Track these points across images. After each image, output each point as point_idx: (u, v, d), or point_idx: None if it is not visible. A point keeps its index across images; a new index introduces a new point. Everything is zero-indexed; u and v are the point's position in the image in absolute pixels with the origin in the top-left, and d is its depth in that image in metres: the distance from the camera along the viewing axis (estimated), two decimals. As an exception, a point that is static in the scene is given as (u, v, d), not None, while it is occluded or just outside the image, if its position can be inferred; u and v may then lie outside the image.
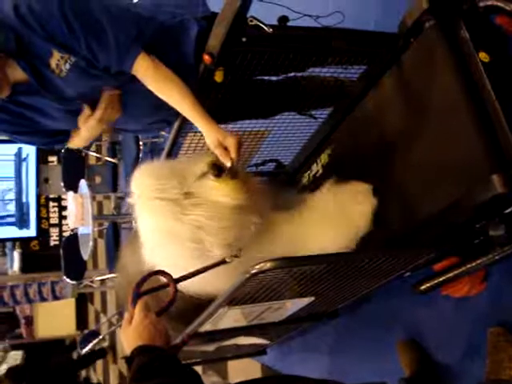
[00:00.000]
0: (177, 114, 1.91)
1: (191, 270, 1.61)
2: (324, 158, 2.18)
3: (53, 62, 1.64)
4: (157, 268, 1.66)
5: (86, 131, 1.86)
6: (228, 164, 1.66)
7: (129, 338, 1.30)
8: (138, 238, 1.77)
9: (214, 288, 1.81)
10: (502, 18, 1.82)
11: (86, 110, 1.79)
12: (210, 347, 2.57)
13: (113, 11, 1.67)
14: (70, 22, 1.58)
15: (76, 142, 1.96)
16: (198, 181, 1.67)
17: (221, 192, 1.66)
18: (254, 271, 1.46)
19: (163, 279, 1.50)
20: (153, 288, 1.46)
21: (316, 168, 2.22)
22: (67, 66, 1.65)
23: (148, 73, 1.70)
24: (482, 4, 1.77)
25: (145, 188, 1.67)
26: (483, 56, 1.59)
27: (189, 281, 1.60)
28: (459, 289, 2.02)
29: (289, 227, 1.85)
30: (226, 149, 1.66)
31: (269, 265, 1.44)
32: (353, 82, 2.12)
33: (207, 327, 2.04)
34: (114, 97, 1.78)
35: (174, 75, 1.71)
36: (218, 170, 1.66)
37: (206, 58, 1.64)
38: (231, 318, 1.98)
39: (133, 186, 1.69)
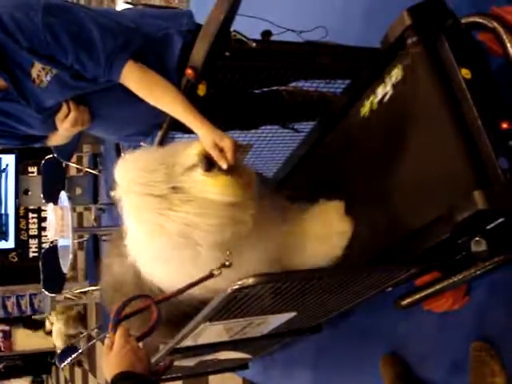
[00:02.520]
0: (156, 126, 1.89)
1: (179, 266, 1.58)
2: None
3: (34, 73, 1.63)
4: (142, 266, 1.63)
5: (62, 131, 1.83)
6: (224, 166, 1.56)
7: (109, 365, 1.28)
8: (122, 237, 1.70)
9: (204, 290, 1.76)
10: (484, 35, 1.84)
11: (65, 108, 1.76)
12: (191, 362, 2.54)
13: (99, 20, 1.66)
14: (55, 32, 1.56)
15: (53, 141, 1.95)
16: (186, 173, 1.56)
17: (211, 188, 1.55)
18: (235, 287, 1.44)
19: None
20: (133, 312, 1.44)
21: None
22: (48, 77, 1.63)
23: (137, 80, 1.68)
24: (464, 20, 1.79)
25: (130, 181, 1.56)
26: (465, 73, 1.61)
27: (177, 284, 1.57)
28: (441, 304, 2.02)
29: (281, 233, 1.81)
30: (221, 150, 1.58)
31: (250, 281, 1.43)
32: (336, 96, 2.13)
33: (188, 342, 2.02)
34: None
35: (164, 80, 1.69)
36: (208, 163, 1.55)
37: (189, 71, 1.63)
38: (212, 333, 1.96)
39: (117, 178, 1.59)
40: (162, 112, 1.73)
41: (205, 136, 1.60)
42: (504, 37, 1.73)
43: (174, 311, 1.86)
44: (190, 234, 1.55)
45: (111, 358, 1.30)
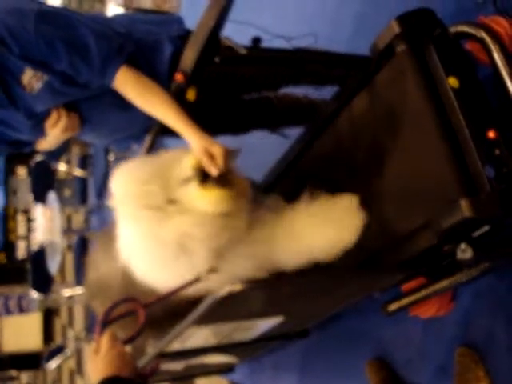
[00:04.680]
0: (146, 130, 1.90)
1: (174, 273, 1.58)
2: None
3: (24, 79, 1.62)
4: (137, 273, 1.63)
5: (52, 137, 1.83)
6: (214, 173, 1.56)
7: (95, 369, 1.28)
8: (111, 234, 1.70)
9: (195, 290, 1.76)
10: (472, 44, 1.87)
11: (55, 115, 1.76)
12: (178, 366, 2.54)
13: (92, 26, 1.66)
14: (48, 38, 1.56)
15: (43, 146, 1.95)
16: (182, 186, 1.57)
17: (206, 201, 1.56)
18: (223, 293, 1.45)
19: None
20: (120, 315, 1.44)
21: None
22: (39, 84, 1.63)
23: (130, 84, 1.68)
24: (452, 29, 1.81)
25: (127, 193, 1.57)
26: (453, 81, 1.62)
27: (168, 283, 1.58)
28: (427, 309, 2.04)
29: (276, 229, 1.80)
30: (212, 157, 1.58)
31: (238, 287, 1.44)
32: (325, 102, 2.14)
33: (176, 346, 2.02)
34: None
35: (156, 85, 1.69)
36: (203, 176, 1.56)
37: (178, 76, 1.64)
38: (200, 337, 1.97)
39: (113, 188, 1.60)
40: (152, 117, 1.74)
41: (195, 143, 1.61)
42: (491, 46, 1.75)
43: (160, 311, 1.86)
44: (185, 243, 1.56)
45: (97, 362, 1.29)
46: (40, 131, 1.78)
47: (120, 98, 1.71)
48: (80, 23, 1.62)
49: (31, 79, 1.62)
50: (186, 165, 1.58)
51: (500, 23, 1.83)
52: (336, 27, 2.70)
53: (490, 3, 1.91)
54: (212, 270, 1.60)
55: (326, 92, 2.11)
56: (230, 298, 1.48)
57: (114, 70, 1.64)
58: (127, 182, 1.59)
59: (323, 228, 1.74)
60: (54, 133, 1.76)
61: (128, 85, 1.66)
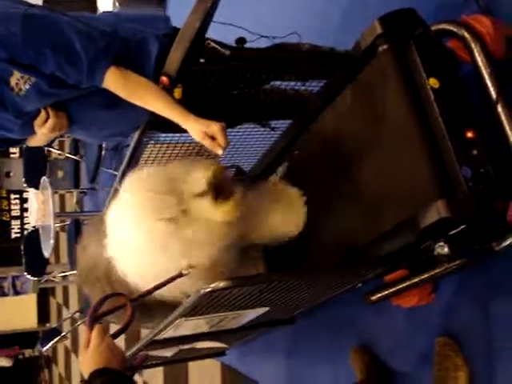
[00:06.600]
0: (136, 127, 1.92)
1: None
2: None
3: (12, 81, 1.64)
4: (129, 275, 1.70)
5: (41, 135, 1.86)
6: (219, 152, 1.68)
7: (86, 363, 1.34)
8: (102, 223, 1.79)
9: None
10: (453, 42, 1.89)
11: (43, 114, 1.79)
12: (169, 352, 2.60)
13: (78, 26, 1.67)
14: (35, 42, 1.58)
15: (33, 143, 1.98)
16: (195, 199, 1.69)
17: (217, 213, 1.70)
18: (207, 290, 1.49)
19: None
20: (109, 310, 1.49)
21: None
22: (27, 86, 1.65)
23: (120, 84, 1.70)
24: (434, 27, 1.83)
25: (143, 204, 1.66)
26: (433, 82, 1.65)
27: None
28: (409, 300, 2.09)
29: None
30: (213, 138, 1.66)
31: (221, 284, 1.48)
32: (311, 95, 2.16)
33: (166, 335, 2.08)
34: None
35: (145, 79, 1.72)
36: (216, 192, 1.70)
37: (163, 79, 1.66)
38: (190, 326, 2.02)
39: (127, 197, 1.70)
40: (142, 113, 1.77)
41: (192, 128, 1.68)
42: (472, 45, 1.78)
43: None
44: (190, 251, 1.68)
45: (88, 355, 1.36)
46: (29, 129, 1.81)
47: (108, 97, 1.73)
48: (66, 25, 1.63)
49: (19, 81, 1.64)
50: (198, 180, 1.69)
51: (482, 22, 1.84)
52: (322, 21, 2.71)
53: (474, 1, 1.93)
54: (191, 266, 1.68)
55: (314, 84, 2.13)
56: (215, 293, 1.54)
57: (101, 72, 1.66)
58: (143, 192, 1.67)
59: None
60: (43, 132, 1.78)
61: (118, 84, 1.69)
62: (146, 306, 1.95)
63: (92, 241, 2.03)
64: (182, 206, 1.67)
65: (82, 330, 5.52)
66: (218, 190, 1.71)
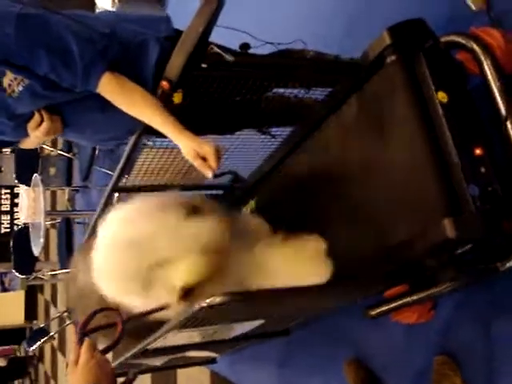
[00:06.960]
0: (131, 131, 1.87)
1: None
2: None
3: (5, 82, 1.59)
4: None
5: (35, 138, 1.80)
6: (209, 174, 1.58)
7: (75, 379, 1.29)
8: (91, 248, 1.67)
9: None
10: (462, 54, 1.85)
11: (37, 117, 1.73)
12: (158, 362, 2.55)
13: (74, 28, 1.61)
14: (29, 43, 1.52)
15: (25, 145, 1.93)
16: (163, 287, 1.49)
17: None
18: (202, 305, 1.44)
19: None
20: (99, 326, 1.43)
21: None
22: (20, 87, 1.60)
23: (114, 90, 1.64)
24: (443, 39, 1.79)
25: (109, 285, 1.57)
26: (442, 96, 1.60)
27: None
28: (408, 316, 2.05)
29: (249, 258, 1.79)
30: (204, 159, 1.59)
31: (218, 300, 1.42)
32: (315, 103, 2.11)
33: (157, 345, 2.03)
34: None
35: (141, 89, 1.66)
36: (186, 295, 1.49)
37: (164, 84, 1.60)
38: (182, 338, 1.97)
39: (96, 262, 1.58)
40: (137, 119, 1.71)
41: (184, 145, 1.61)
42: (482, 58, 1.74)
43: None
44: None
45: (77, 372, 1.30)
46: (22, 132, 1.76)
47: (103, 101, 1.68)
48: (62, 26, 1.57)
49: (12, 82, 1.59)
50: (175, 277, 1.48)
51: (493, 35, 1.80)
52: (327, 28, 2.66)
53: (485, 13, 1.89)
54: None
55: (318, 92, 2.09)
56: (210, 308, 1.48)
57: (97, 76, 1.61)
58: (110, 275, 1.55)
59: (295, 268, 1.76)
60: (36, 135, 1.73)
61: (113, 91, 1.63)
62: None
63: (81, 270, 1.96)
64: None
65: (70, 330, 5.46)
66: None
